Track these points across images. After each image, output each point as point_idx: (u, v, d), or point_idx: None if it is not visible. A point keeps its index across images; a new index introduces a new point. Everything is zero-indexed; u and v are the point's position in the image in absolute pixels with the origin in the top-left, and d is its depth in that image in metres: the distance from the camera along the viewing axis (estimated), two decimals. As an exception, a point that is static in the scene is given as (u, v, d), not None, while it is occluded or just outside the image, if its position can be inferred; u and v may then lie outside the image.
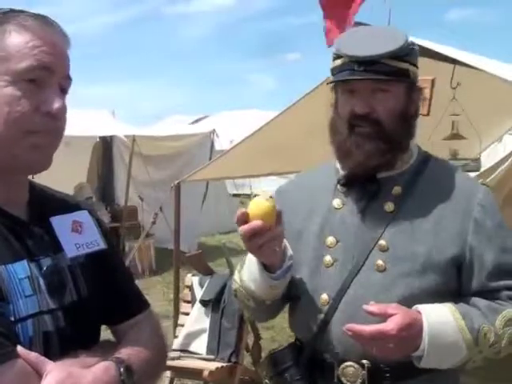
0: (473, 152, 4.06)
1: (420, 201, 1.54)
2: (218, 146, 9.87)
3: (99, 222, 1.27)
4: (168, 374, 3.96)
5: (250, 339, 4.33)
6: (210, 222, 10.23)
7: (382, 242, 1.51)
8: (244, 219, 1.34)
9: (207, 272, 4.32)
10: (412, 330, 1.38)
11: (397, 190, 1.55)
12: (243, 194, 14.45)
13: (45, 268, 1.09)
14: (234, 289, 1.65)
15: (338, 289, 1.51)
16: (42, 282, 1.08)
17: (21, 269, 1.06)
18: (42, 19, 1.10)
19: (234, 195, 14.52)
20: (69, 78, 1.13)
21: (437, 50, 3.58)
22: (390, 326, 1.35)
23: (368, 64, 1.47)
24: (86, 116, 9.10)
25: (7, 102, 1.04)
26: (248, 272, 1.55)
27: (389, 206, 1.53)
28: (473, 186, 1.59)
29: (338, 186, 1.61)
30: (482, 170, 5.59)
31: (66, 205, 1.23)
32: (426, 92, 3.35)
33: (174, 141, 9.88)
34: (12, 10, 1.10)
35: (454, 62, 3.57)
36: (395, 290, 1.47)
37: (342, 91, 1.55)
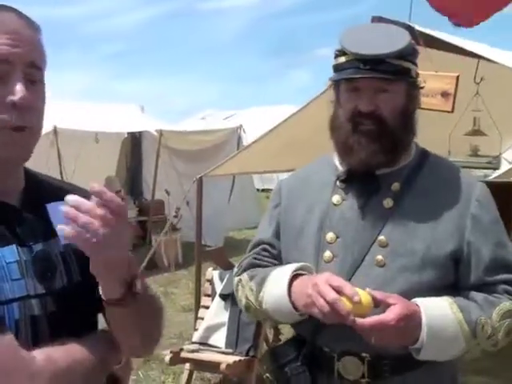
0: (493, 149, 3.98)
1: (419, 197, 1.55)
2: (245, 142, 9.88)
3: None
4: (187, 366, 4.02)
5: (270, 333, 4.36)
6: (236, 217, 10.23)
7: (381, 237, 1.52)
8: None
9: (227, 267, 4.35)
10: (411, 322, 1.40)
11: (396, 186, 1.56)
12: (270, 189, 14.38)
13: (34, 253, 1.10)
14: (246, 306, 1.66)
15: None
16: (31, 266, 1.09)
17: (9, 253, 1.06)
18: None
19: (263, 190, 14.51)
20: (34, 66, 1.09)
21: (460, 46, 3.53)
22: (390, 316, 1.37)
23: (374, 63, 1.48)
24: (115, 110, 9.23)
25: None
26: (274, 305, 1.56)
27: (388, 202, 1.54)
28: (470, 182, 1.59)
29: (338, 183, 1.61)
30: (507, 168, 5.48)
31: (63, 192, 1.20)
32: (451, 89, 3.30)
33: (201, 136, 9.93)
34: None
35: (477, 56, 3.51)
36: (395, 284, 1.49)
37: (346, 89, 1.56)
